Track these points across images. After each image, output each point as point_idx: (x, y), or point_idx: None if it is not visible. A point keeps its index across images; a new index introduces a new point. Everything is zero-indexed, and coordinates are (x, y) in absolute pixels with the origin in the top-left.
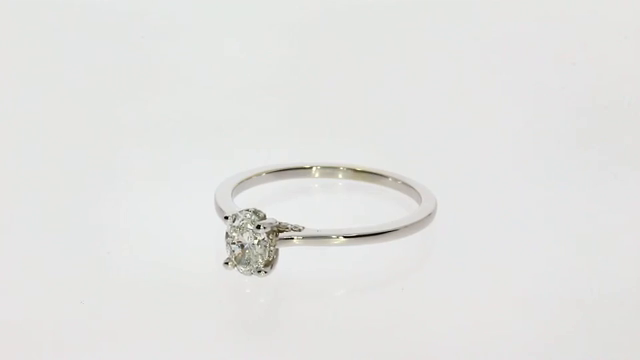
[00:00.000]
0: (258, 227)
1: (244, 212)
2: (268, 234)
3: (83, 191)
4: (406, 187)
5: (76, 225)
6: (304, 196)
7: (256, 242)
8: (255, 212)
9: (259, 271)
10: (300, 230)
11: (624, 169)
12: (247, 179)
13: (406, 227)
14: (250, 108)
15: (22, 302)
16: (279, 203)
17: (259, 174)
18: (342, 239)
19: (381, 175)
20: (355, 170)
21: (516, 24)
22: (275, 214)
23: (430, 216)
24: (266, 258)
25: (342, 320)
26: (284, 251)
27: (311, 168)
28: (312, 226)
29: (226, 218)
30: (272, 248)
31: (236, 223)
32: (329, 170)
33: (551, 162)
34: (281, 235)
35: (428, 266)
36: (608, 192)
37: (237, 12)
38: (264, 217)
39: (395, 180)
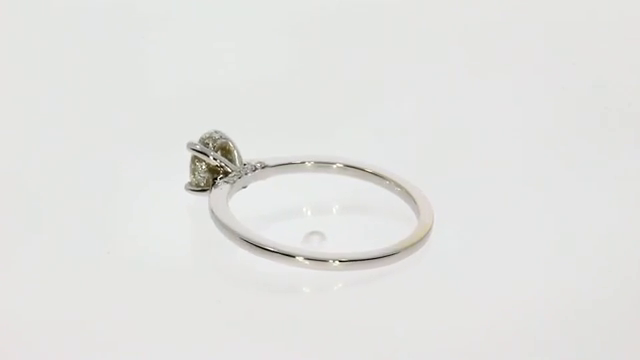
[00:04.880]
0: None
1: (212, 132)
2: (194, 158)
3: (82, 190)
4: (405, 195)
5: (74, 225)
6: (302, 193)
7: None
8: (211, 139)
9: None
10: (229, 183)
11: (625, 170)
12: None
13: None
14: (250, 105)
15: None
16: (276, 201)
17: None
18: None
19: (381, 177)
20: (353, 167)
21: (516, 25)
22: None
23: (428, 235)
24: (192, 176)
25: (337, 316)
26: None
27: (305, 163)
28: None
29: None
30: (199, 176)
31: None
32: (324, 165)
33: (551, 166)
34: (225, 179)
35: (425, 267)
36: (609, 194)
37: (237, 9)
38: (213, 146)
39: (397, 185)
